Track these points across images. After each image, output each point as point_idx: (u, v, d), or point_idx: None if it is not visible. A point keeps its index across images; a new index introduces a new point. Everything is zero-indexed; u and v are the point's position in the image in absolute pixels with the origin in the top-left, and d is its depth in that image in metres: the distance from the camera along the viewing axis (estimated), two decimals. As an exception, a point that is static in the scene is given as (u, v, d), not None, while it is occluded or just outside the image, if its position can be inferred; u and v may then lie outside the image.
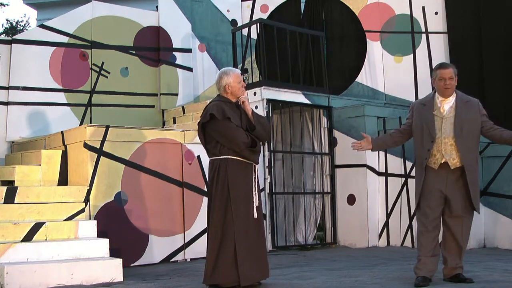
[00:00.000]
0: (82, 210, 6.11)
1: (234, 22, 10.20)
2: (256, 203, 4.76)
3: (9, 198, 5.81)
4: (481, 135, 4.85)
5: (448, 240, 4.84)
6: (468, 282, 4.72)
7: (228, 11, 10.23)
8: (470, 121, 4.69)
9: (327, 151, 8.37)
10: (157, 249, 6.61)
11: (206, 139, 4.85)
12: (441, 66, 4.85)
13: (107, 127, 6.49)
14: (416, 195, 4.87)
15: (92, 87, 8.76)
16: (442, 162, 4.70)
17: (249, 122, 4.81)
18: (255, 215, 4.73)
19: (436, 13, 9.77)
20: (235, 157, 4.72)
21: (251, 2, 10.42)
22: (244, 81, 5.25)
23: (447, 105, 4.76)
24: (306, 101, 8.22)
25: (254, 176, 4.80)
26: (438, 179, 4.72)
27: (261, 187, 6.52)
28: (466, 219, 4.82)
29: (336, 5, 10.15)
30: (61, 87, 8.50)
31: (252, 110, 4.88)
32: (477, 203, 4.77)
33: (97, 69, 8.83)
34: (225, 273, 4.60)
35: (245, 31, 9.28)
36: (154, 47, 9.33)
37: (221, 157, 4.74)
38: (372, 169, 8.09)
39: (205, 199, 6.56)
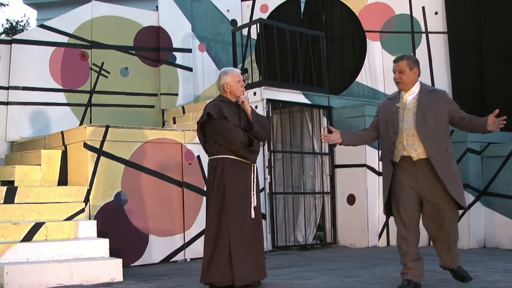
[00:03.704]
0: (82, 210, 6.11)
1: (234, 22, 10.20)
2: (254, 203, 4.75)
3: (9, 198, 5.81)
4: (454, 127, 4.68)
5: (436, 241, 4.71)
6: (466, 280, 4.64)
7: (228, 11, 10.23)
8: (434, 110, 4.47)
9: (327, 151, 8.37)
10: (157, 249, 6.61)
11: (205, 139, 4.85)
12: (394, 59, 4.65)
13: (107, 127, 6.49)
14: (384, 193, 4.64)
15: (92, 87, 8.76)
16: (404, 154, 4.48)
17: (248, 121, 4.81)
18: (253, 215, 4.72)
19: (436, 13, 9.77)
20: (232, 157, 4.72)
21: (251, 2, 10.42)
22: (244, 81, 5.25)
23: (410, 96, 4.57)
24: (306, 101, 8.22)
25: (253, 176, 4.80)
26: (407, 176, 4.50)
27: (260, 187, 6.50)
28: (448, 217, 4.50)
29: (336, 5, 10.16)
30: (61, 87, 8.50)
31: (252, 109, 4.87)
32: (459, 196, 4.44)
33: (97, 69, 8.83)
34: (219, 272, 4.61)
35: (245, 31, 9.28)
36: (154, 47, 9.34)
37: (219, 156, 4.75)
38: (372, 169, 8.08)
39: (205, 199, 6.55)
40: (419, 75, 4.59)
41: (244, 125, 4.77)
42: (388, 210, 4.72)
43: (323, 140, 4.79)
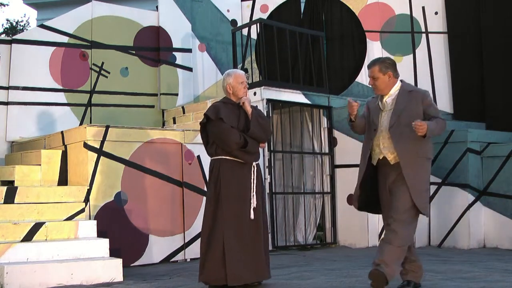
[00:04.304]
0: (82, 210, 6.11)
1: (234, 22, 10.20)
2: (254, 204, 4.75)
3: (9, 198, 5.81)
4: None
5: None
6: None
7: (228, 11, 10.23)
8: (410, 111, 4.32)
9: (327, 151, 8.37)
10: (157, 249, 6.61)
11: (208, 140, 4.92)
12: (368, 64, 4.58)
13: (107, 127, 6.49)
14: (356, 187, 4.50)
15: (92, 87, 8.76)
16: (380, 158, 4.40)
17: (247, 122, 4.83)
18: (252, 216, 4.72)
19: (436, 13, 9.77)
20: (229, 157, 4.77)
21: (251, 2, 10.42)
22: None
23: (389, 98, 4.45)
24: (306, 101, 8.21)
25: (252, 177, 4.80)
26: (386, 179, 4.40)
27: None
28: (403, 222, 4.25)
29: (336, 5, 10.15)
30: (61, 87, 8.50)
31: (253, 110, 4.88)
32: (421, 203, 4.26)
33: (97, 69, 8.83)
34: (212, 271, 4.66)
35: (245, 31, 9.28)
36: (154, 47, 9.33)
37: (217, 157, 4.82)
38: (372, 169, 8.09)
39: (205, 199, 6.56)
40: (396, 77, 4.46)
41: (243, 126, 4.79)
42: (361, 204, 4.55)
43: (351, 103, 4.48)
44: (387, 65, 4.46)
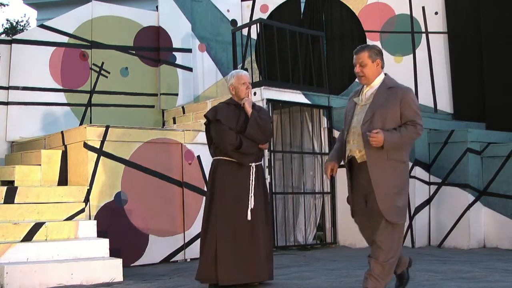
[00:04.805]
0: (82, 210, 6.11)
1: (234, 22, 10.20)
2: (251, 205, 4.75)
3: (9, 198, 5.81)
4: None
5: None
6: None
7: (228, 11, 10.23)
8: (385, 109, 3.99)
9: (327, 151, 8.36)
10: (157, 249, 6.61)
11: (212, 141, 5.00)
12: (355, 50, 4.19)
13: (107, 127, 6.49)
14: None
15: (92, 87, 8.76)
16: (350, 155, 4.13)
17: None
18: (249, 217, 4.72)
19: (436, 13, 9.77)
20: (226, 158, 4.81)
21: (251, 2, 10.42)
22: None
23: (369, 91, 4.13)
24: (306, 101, 8.21)
25: (251, 178, 4.80)
26: (357, 180, 4.15)
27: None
28: (386, 233, 3.97)
29: (336, 5, 10.16)
30: (61, 87, 8.50)
31: (253, 111, 4.88)
32: (386, 209, 3.91)
33: (97, 69, 8.83)
34: (205, 270, 4.72)
35: (245, 31, 9.28)
36: (154, 47, 9.33)
37: (215, 157, 4.90)
38: (372, 169, 8.09)
39: (205, 199, 6.57)
40: (382, 67, 4.16)
41: (241, 127, 4.82)
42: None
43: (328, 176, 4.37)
44: (377, 52, 4.14)
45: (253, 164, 4.83)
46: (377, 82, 4.14)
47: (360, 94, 4.20)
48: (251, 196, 4.76)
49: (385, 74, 4.20)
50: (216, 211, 4.74)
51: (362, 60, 4.10)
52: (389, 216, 3.94)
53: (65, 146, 6.78)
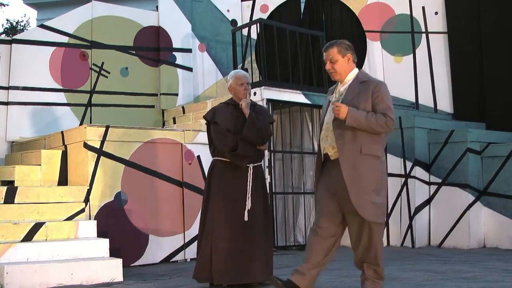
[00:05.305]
0: (82, 210, 6.11)
1: (234, 22, 10.20)
2: (248, 206, 4.74)
3: (9, 198, 5.81)
4: None
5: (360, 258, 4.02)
6: None
7: (228, 11, 10.23)
8: (357, 102, 3.88)
9: (327, 151, 8.36)
10: (157, 249, 6.61)
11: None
12: (324, 47, 4.10)
13: (107, 127, 6.49)
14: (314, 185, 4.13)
15: (92, 87, 8.76)
16: (324, 152, 4.00)
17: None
18: (246, 218, 4.71)
19: (436, 13, 9.77)
20: (223, 159, 4.82)
21: (251, 2, 10.42)
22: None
23: (343, 87, 4.04)
24: (306, 101, 8.21)
25: (248, 179, 4.79)
26: (329, 178, 3.98)
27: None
28: (366, 225, 3.86)
29: (336, 5, 10.16)
30: (61, 87, 8.51)
31: (251, 113, 4.85)
32: (360, 206, 3.77)
33: (97, 69, 8.83)
34: (201, 270, 4.75)
35: (245, 31, 9.28)
36: (154, 47, 9.33)
37: (214, 158, 4.92)
38: (372, 169, 8.09)
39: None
40: (355, 61, 4.07)
41: (239, 128, 4.80)
42: None
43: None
44: (346, 47, 4.05)
45: (251, 165, 4.82)
46: (350, 77, 4.05)
47: (334, 92, 4.13)
48: (248, 197, 4.75)
49: (359, 69, 4.11)
50: (212, 211, 4.75)
51: (332, 56, 4.02)
52: (366, 214, 3.79)
53: (65, 146, 6.78)
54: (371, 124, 3.82)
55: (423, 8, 9.82)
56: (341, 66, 4.02)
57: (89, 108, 8.69)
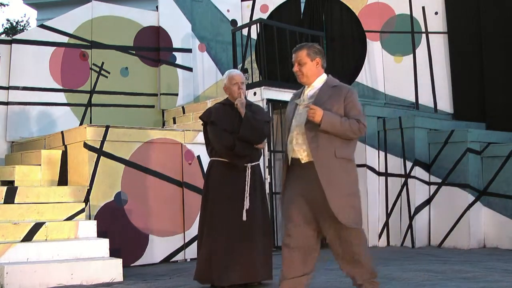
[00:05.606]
0: (82, 210, 6.11)
1: (234, 22, 10.20)
2: (247, 206, 4.74)
3: (9, 198, 5.81)
4: None
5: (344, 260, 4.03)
6: None
7: (228, 11, 10.23)
8: (329, 106, 3.83)
9: (327, 151, 8.36)
10: (157, 249, 6.61)
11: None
12: (294, 49, 4.03)
13: (107, 127, 6.49)
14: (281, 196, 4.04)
15: (92, 87, 8.76)
16: (293, 156, 3.90)
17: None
18: (244, 218, 4.71)
19: (436, 13, 9.77)
20: (221, 159, 4.82)
21: (251, 2, 10.42)
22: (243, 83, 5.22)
23: (311, 91, 3.99)
24: (306, 101, 8.20)
25: (246, 179, 4.79)
26: (299, 182, 3.87)
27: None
28: (344, 230, 3.82)
29: (336, 5, 10.16)
30: (61, 87, 8.50)
31: (247, 112, 4.84)
32: (337, 209, 3.70)
33: (97, 69, 8.83)
34: (201, 270, 4.76)
35: (245, 31, 9.28)
36: (154, 47, 9.33)
37: (211, 158, 4.92)
38: (372, 169, 8.09)
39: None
40: (323, 66, 4.03)
41: (235, 128, 4.80)
42: None
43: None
44: (316, 51, 3.98)
45: (249, 165, 4.82)
46: (319, 82, 4.01)
47: (301, 95, 4.06)
48: (246, 197, 4.75)
49: (328, 74, 4.07)
50: (211, 212, 4.76)
51: (301, 58, 3.97)
52: (345, 219, 3.74)
53: (65, 146, 6.78)
54: (344, 129, 3.81)
55: (423, 8, 9.81)
56: (309, 69, 3.98)
57: (89, 108, 8.69)
